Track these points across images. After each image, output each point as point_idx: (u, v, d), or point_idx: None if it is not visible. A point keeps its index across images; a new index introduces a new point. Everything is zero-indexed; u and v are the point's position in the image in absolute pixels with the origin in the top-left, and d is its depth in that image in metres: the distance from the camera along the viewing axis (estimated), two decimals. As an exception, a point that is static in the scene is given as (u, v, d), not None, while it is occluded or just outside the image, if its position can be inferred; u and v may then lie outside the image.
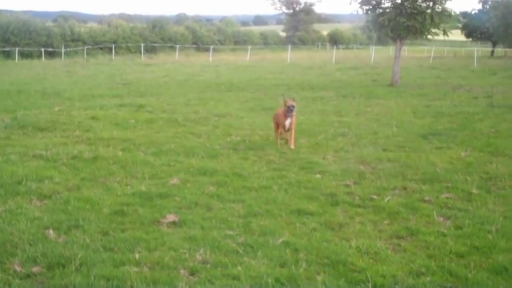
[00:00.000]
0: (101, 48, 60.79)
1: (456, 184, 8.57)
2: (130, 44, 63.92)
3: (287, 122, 11.31)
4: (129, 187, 8.29)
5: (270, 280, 5.17)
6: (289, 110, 11.19)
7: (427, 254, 5.96)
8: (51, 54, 55.81)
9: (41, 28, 59.36)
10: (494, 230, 6.61)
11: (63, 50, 55.89)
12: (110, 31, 65.89)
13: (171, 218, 6.89)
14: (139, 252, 5.82)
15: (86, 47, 58.61)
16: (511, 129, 13.77)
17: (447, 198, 7.90)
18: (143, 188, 8.16)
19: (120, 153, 10.54)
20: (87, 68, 38.72)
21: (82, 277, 5.21)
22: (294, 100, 11.63)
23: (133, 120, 14.70)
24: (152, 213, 7.08)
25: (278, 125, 11.62)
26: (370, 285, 5.17)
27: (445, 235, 6.48)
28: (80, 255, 5.64)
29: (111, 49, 59.16)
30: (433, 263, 5.69)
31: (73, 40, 61.22)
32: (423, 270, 5.51)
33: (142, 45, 61.17)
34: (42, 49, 54.96)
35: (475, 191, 8.22)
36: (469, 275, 5.39)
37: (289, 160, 10.23)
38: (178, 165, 9.66)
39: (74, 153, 10.40)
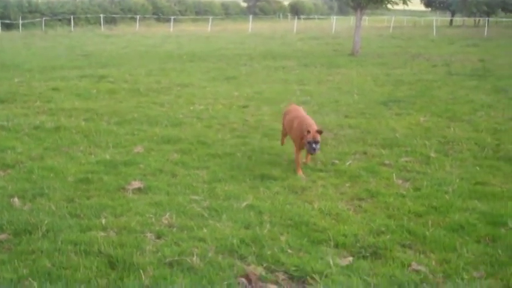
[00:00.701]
0: (60, 20, 59.52)
1: (415, 148, 8.81)
2: (89, 15, 62.75)
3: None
4: (93, 156, 8.30)
5: (235, 241, 5.30)
6: (310, 148, 7.35)
7: (387, 214, 6.17)
8: (8, 27, 54.45)
9: (-3, -1, 57.86)
10: (451, 190, 6.85)
11: (20, 22, 54.62)
12: (68, 2, 64.46)
13: (136, 184, 6.95)
14: (105, 218, 5.89)
15: (43, 19, 57.30)
16: (468, 95, 14.09)
17: (406, 161, 8.13)
18: (107, 157, 8.19)
19: (83, 123, 10.51)
20: (45, 40, 37.98)
21: (49, 243, 5.27)
22: (319, 132, 7.40)
23: (95, 91, 14.59)
24: (117, 180, 7.13)
25: (287, 133, 8.42)
26: (332, 244, 5.35)
27: (404, 196, 6.70)
28: (46, 222, 5.68)
29: (70, 20, 58.03)
30: (392, 222, 5.90)
31: (30, 12, 59.74)
32: (383, 229, 5.70)
33: (102, 16, 60.10)
34: (-1, 21, 53.69)
35: (433, 154, 8.46)
36: (427, 233, 5.60)
37: (253, 128, 10.33)
38: (142, 134, 9.69)
39: (35, 123, 10.34)
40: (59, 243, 5.24)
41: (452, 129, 10.17)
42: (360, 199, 6.62)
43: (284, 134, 8.63)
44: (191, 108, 12.26)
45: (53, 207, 6.17)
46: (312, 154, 7.59)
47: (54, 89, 14.85)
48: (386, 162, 8.09)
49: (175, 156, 8.31)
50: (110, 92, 14.57)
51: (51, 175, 7.31)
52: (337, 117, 11.29)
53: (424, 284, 4.64)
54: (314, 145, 7.27)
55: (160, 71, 19.66)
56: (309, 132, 7.32)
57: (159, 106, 12.53)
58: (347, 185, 7.12)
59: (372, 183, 7.17)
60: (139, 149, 8.67)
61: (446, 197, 6.65)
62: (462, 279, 4.74)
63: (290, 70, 20.35)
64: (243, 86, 15.88)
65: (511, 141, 9.23)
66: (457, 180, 7.22)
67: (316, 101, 13.27)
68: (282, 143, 8.83)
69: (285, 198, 6.56)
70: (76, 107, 12.14)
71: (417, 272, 4.84)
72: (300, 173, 7.51)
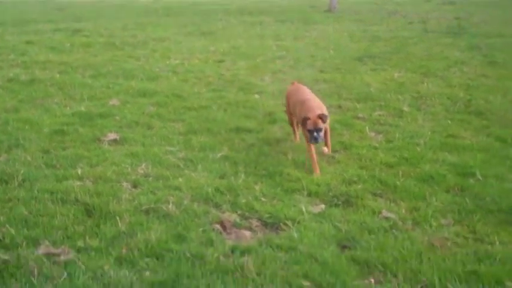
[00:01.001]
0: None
1: (388, 103, 8.92)
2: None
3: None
4: (68, 108, 8.29)
5: (210, 190, 5.40)
6: (311, 137, 6.10)
7: (359, 165, 6.29)
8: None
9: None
10: (423, 143, 6.99)
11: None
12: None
13: (112, 136, 6.99)
14: (81, 168, 5.94)
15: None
16: (443, 52, 14.18)
17: (379, 115, 8.24)
18: (82, 109, 8.18)
19: (58, 76, 10.44)
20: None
21: (25, 191, 5.31)
22: (322, 118, 6.09)
23: (69, 45, 14.43)
24: (93, 132, 7.16)
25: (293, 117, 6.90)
26: (305, 193, 5.47)
27: (376, 148, 6.83)
28: (22, 172, 5.71)
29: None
30: (364, 172, 6.03)
31: (1, -36, 58.37)
32: (355, 179, 5.83)
33: (75, -31, 58.87)
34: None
35: (406, 108, 8.59)
36: (398, 183, 5.75)
37: (228, 81, 10.35)
38: (118, 87, 9.67)
39: (9, 76, 10.26)
40: (35, 192, 5.29)
41: (425, 84, 10.29)
42: (334, 151, 6.72)
43: (292, 123, 7.05)
44: (167, 62, 12.21)
45: (29, 158, 6.19)
46: (313, 144, 6.15)
47: (28, 43, 14.66)
48: (360, 115, 8.19)
49: (151, 109, 8.33)
50: (84, 45, 14.42)
51: (26, 127, 7.30)
52: (313, 72, 11.34)
53: (394, 230, 4.78)
54: (316, 133, 6.04)
55: (136, 25, 19.45)
56: (308, 118, 6.09)
57: (134, 60, 12.46)
58: (321, 137, 7.21)
59: (345, 135, 7.28)
60: (114, 101, 8.66)
61: (418, 149, 6.80)
62: (430, 226, 4.89)
63: (267, 25, 20.25)
64: (219, 41, 15.81)
65: (483, 96, 9.38)
66: (429, 133, 7.36)
67: (292, 56, 13.28)
68: (296, 138, 7.05)
69: (260, 150, 6.64)
70: (50, 60, 12.03)
71: (387, 219, 4.98)
72: (317, 171, 6.03)
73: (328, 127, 6.41)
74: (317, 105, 6.34)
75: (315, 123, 6.04)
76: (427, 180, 5.89)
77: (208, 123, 7.64)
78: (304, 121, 6.12)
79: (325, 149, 6.44)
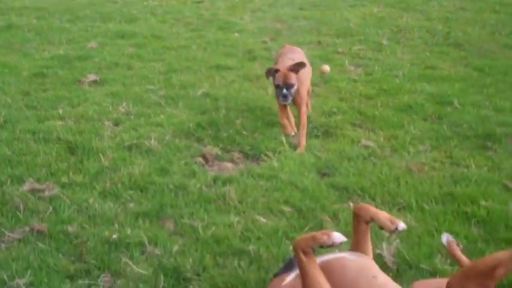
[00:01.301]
0: None
1: (368, 37, 8.93)
2: None
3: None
4: (46, 52, 8.21)
5: (191, 125, 5.45)
6: (279, 93, 5.14)
7: (339, 97, 6.36)
8: None
9: None
10: (402, 74, 7.06)
11: None
12: None
13: (92, 77, 6.97)
14: (62, 109, 5.95)
15: None
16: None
17: (359, 49, 8.27)
18: (61, 52, 8.11)
19: (35, 21, 10.27)
20: None
21: (7, 132, 5.33)
22: (294, 70, 5.13)
23: (45, -10, 14.16)
24: (72, 74, 7.13)
25: None
26: (285, 125, 5.52)
27: (356, 81, 6.89)
28: (3, 113, 5.72)
29: None
30: (344, 104, 6.11)
31: None
32: (335, 110, 5.91)
33: None
34: None
35: (385, 42, 8.62)
36: (376, 113, 5.84)
37: (207, 21, 10.26)
38: (96, 30, 9.56)
39: (-15, 22, 10.10)
40: (18, 132, 5.32)
41: (405, 18, 10.28)
42: (313, 85, 6.72)
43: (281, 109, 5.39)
44: (145, 3, 12.03)
45: (9, 100, 6.18)
46: (283, 103, 5.19)
47: (2, -11, 14.36)
48: (340, 50, 8.21)
49: (130, 50, 8.28)
50: (60, -10, 14.15)
51: (6, 71, 7.24)
52: (292, 10, 11.24)
53: (372, 158, 4.88)
54: (285, 90, 5.07)
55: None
56: (277, 71, 5.13)
57: (112, 3, 12.24)
58: (301, 72, 7.24)
59: (325, 70, 7.32)
60: (93, 44, 8.59)
61: (397, 80, 6.86)
62: (408, 152, 5.00)
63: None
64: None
65: (461, 28, 9.41)
66: (408, 65, 7.43)
67: (271, -5, 13.13)
68: (287, 130, 5.28)
69: (240, 86, 6.68)
70: (26, 6, 11.79)
71: (366, 147, 5.08)
72: (302, 147, 5.06)
73: (304, 99, 5.34)
74: (297, 58, 5.44)
75: (285, 77, 5.07)
76: (405, 109, 5.98)
77: (188, 62, 7.63)
78: (270, 73, 5.20)
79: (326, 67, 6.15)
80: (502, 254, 2.33)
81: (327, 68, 6.04)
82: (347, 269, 2.75)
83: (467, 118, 5.67)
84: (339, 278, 2.72)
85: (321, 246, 2.67)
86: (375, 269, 2.83)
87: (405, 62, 7.56)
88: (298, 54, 5.69)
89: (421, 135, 5.36)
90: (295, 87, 5.12)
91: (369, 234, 2.92)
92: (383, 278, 2.79)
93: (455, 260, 3.11)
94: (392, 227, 2.83)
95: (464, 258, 3.06)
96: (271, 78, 5.28)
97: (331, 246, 2.66)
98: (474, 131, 5.39)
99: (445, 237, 3.18)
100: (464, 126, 5.49)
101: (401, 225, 2.84)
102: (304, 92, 5.31)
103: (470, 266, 2.47)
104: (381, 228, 2.83)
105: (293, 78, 5.08)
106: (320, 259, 2.86)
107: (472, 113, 5.80)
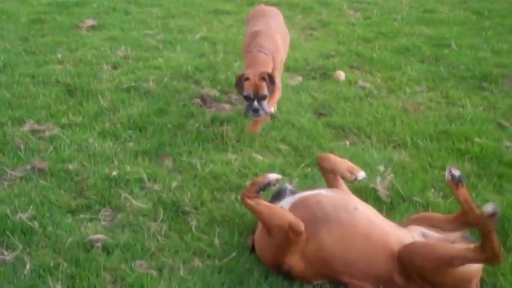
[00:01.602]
0: None
1: (367, -19, 8.84)
2: None
3: None
4: (43, -2, 8.17)
5: (189, 68, 5.48)
6: (248, 108, 4.11)
7: (337, 40, 6.36)
8: None
9: None
10: (400, 18, 7.04)
11: None
12: None
13: (89, 22, 6.95)
14: (61, 53, 5.96)
15: None
16: None
17: (358, -7, 8.21)
18: (58, -2, 8.07)
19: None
20: None
21: (7, 77, 5.37)
22: (267, 78, 4.08)
23: None
24: (70, 19, 7.10)
25: None
26: (283, 67, 5.54)
27: (354, 24, 6.87)
28: (2, 58, 5.75)
29: None
30: (342, 47, 6.11)
31: None
32: (333, 53, 5.92)
33: None
34: None
35: (384, -14, 8.54)
36: (374, 55, 5.85)
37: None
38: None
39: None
40: (17, 76, 5.36)
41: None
42: (312, 28, 6.77)
43: None
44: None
45: (8, 46, 6.20)
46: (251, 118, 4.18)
47: None
48: (339, -6, 8.16)
49: (127, -5, 8.23)
50: None
51: (4, 17, 7.23)
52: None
53: (369, 98, 4.92)
54: (256, 103, 4.04)
55: None
56: (247, 79, 4.08)
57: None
58: (299, 16, 7.21)
59: (323, 14, 7.29)
60: (90, -10, 8.52)
61: (395, 23, 6.85)
62: (405, 93, 5.04)
63: None
64: None
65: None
66: (406, 9, 7.40)
67: None
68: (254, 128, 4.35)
69: (238, 30, 6.66)
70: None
71: (363, 88, 5.12)
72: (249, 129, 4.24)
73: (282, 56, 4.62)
74: (273, 22, 4.66)
75: (256, 88, 4.04)
76: (403, 52, 5.99)
77: (186, 7, 7.60)
78: (239, 82, 4.14)
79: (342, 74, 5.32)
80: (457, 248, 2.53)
81: (342, 75, 5.34)
82: (323, 203, 2.86)
83: (464, 60, 5.68)
84: (317, 212, 2.83)
85: (263, 190, 2.98)
86: (355, 201, 2.95)
87: (404, 6, 7.52)
88: (274, 19, 4.82)
89: (417, 76, 5.38)
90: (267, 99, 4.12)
91: (338, 177, 3.09)
92: (364, 208, 2.91)
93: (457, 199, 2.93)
94: (352, 177, 3.00)
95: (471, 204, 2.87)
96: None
97: (269, 185, 3.00)
98: (471, 72, 5.41)
99: (456, 172, 2.85)
100: (461, 68, 5.51)
101: (361, 175, 3.01)
102: (278, 61, 4.41)
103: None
104: (342, 178, 3.04)
105: (265, 88, 4.03)
106: (296, 196, 3.00)
107: (469, 55, 5.81)
